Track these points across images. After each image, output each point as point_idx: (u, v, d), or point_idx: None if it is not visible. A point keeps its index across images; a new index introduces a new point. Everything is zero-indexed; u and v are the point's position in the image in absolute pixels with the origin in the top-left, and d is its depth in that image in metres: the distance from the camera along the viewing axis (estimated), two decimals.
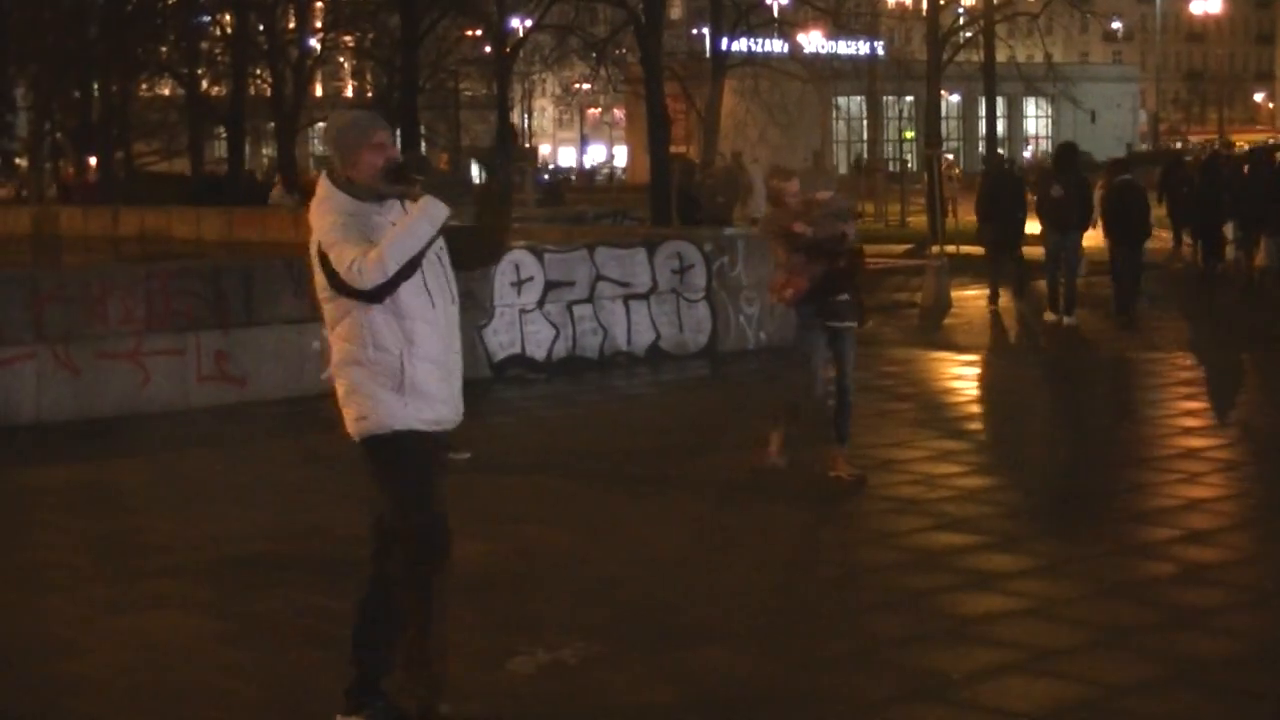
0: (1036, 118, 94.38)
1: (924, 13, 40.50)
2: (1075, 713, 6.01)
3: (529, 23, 45.33)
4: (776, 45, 53.67)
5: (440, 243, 5.57)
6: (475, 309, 14.44)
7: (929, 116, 34.93)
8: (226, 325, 13.49)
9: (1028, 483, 10.30)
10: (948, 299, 20.77)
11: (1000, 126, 49.65)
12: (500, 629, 6.94)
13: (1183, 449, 11.11)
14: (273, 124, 49.32)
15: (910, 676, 6.45)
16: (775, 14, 50.44)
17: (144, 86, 52.09)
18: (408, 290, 5.45)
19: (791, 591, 7.86)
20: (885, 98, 62.38)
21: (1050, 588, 7.69)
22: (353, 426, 5.68)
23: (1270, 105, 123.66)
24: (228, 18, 46.88)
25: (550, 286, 15.37)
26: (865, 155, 64.09)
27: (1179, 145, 77.42)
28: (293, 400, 13.56)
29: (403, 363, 5.50)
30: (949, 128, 75.42)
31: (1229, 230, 23.13)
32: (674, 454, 11.25)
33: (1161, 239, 28.58)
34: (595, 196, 53.75)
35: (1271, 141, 61.22)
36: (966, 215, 24.10)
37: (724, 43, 39.53)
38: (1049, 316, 18.94)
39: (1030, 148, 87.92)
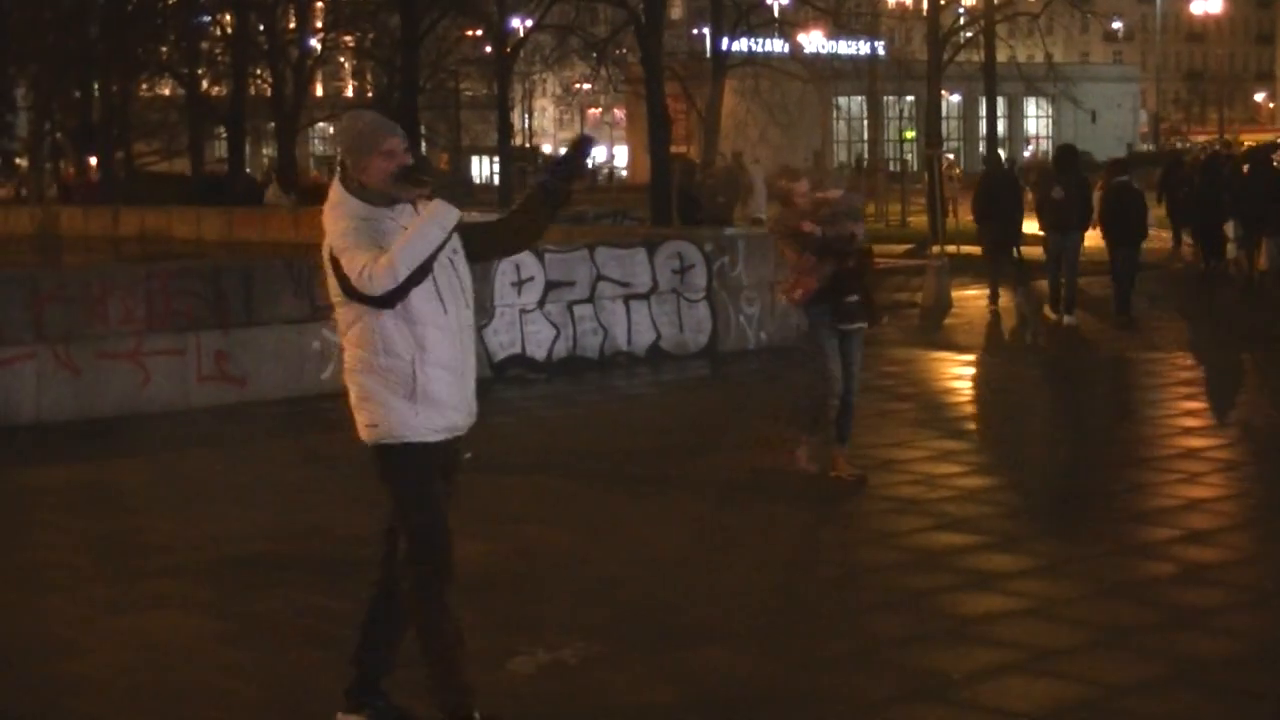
0: (1037, 118, 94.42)
1: (924, 13, 40.50)
2: (1075, 713, 6.01)
3: (529, 23, 45.34)
4: (777, 45, 53.68)
5: (455, 246, 5.53)
6: (476, 309, 14.43)
7: (929, 116, 34.91)
8: (227, 325, 13.49)
9: (1028, 483, 10.30)
10: (948, 299, 20.77)
11: (1001, 126, 49.66)
12: (500, 629, 6.94)
13: (1183, 449, 11.11)
14: (273, 124, 49.31)
15: (910, 676, 6.44)
16: (776, 14, 50.44)
17: (144, 86, 52.10)
18: (419, 296, 5.40)
19: (792, 591, 7.86)
20: (886, 98, 62.37)
21: (1050, 588, 7.69)
22: (364, 433, 5.63)
23: (1270, 105, 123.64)
24: (228, 18, 46.90)
25: (551, 286, 15.37)
26: (866, 155, 64.07)
27: (1187, 145, 77.27)
28: (293, 400, 13.57)
29: (414, 369, 5.45)
30: (949, 128, 75.41)
31: (1229, 229, 23.14)
32: (674, 454, 11.25)
33: (1161, 239, 28.61)
34: (596, 196, 53.71)
35: (1278, 140, 61.16)
36: (967, 215, 24.08)
37: (724, 43, 39.54)
38: (1050, 317, 18.95)
39: (1030, 147, 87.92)
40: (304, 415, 13.10)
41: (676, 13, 66.05)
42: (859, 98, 69.22)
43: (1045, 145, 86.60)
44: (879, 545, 8.74)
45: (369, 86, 61.51)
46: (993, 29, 35.91)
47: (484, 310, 14.81)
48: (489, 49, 50.59)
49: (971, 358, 16.52)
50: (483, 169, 72.81)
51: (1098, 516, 9.24)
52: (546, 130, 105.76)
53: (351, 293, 5.41)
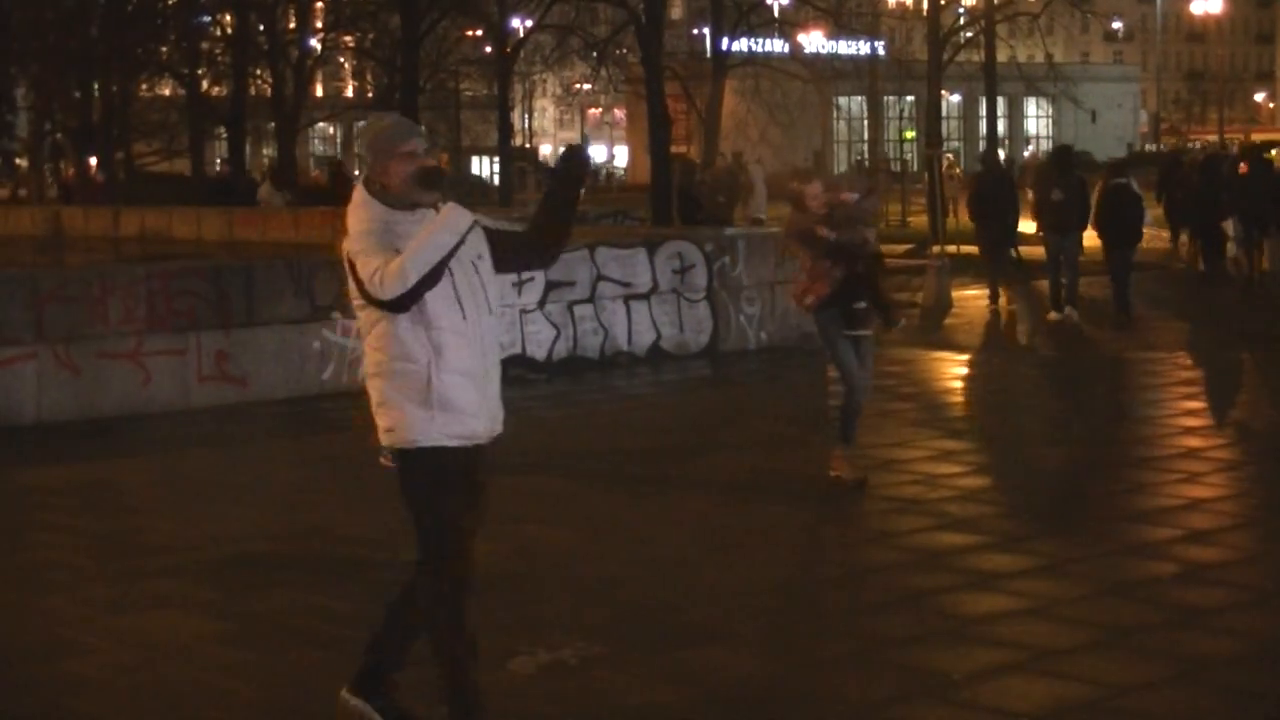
0: (1037, 118, 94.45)
1: (925, 13, 40.51)
2: (1075, 713, 6.01)
3: (529, 23, 45.34)
4: (777, 45, 53.70)
5: (479, 251, 5.49)
6: None
7: (930, 116, 34.91)
8: (227, 325, 13.49)
9: (1028, 483, 10.30)
10: (948, 299, 20.77)
11: (1001, 126, 49.72)
12: (500, 629, 6.93)
13: (1183, 449, 11.11)
14: (273, 124, 49.31)
15: (910, 676, 6.44)
16: (776, 14, 50.45)
17: (144, 87, 52.09)
18: (437, 300, 5.34)
19: (792, 591, 7.86)
20: (886, 98, 62.36)
21: (1051, 588, 7.68)
22: (382, 437, 5.56)
23: (1270, 105, 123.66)
24: (228, 18, 46.89)
25: (551, 286, 15.36)
26: (866, 155, 64.06)
27: (1196, 144, 77.23)
28: (293, 400, 13.58)
29: (429, 375, 5.38)
30: (949, 128, 75.45)
31: (1229, 227, 23.13)
32: (674, 454, 11.25)
33: (1161, 239, 28.60)
34: (596, 196, 53.74)
35: None
36: (967, 215, 24.09)
37: (725, 43, 39.53)
38: (1052, 316, 18.97)
39: (1030, 147, 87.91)
40: (304, 415, 13.11)
41: (676, 13, 65.99)
42: (859, 98, 69.20)
43: (1045, 145, 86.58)
44: (879, 545, 8.74)
45: (369, 87, 61.54)
46: (993, 29, 35.93)
47: None
48: (489, 49, 50.60)
49: (972, 358, 16.52)
50: (483, 169, 72.80)
51: (1098, 516, 9.23)
52: (547, 130, 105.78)
53: (367, 296, 5.37)
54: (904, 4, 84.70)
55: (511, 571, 8.08)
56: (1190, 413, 12.74)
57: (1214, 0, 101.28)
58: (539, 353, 15.26)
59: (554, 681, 6.42)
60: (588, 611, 7.33)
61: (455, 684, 5.53)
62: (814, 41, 56.38)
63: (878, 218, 10.32)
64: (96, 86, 47.82)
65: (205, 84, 49.37)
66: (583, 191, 5.61)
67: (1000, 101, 40.08)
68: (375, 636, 5.77)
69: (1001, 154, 30.88)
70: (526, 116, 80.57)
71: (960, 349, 16.97)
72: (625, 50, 43.41)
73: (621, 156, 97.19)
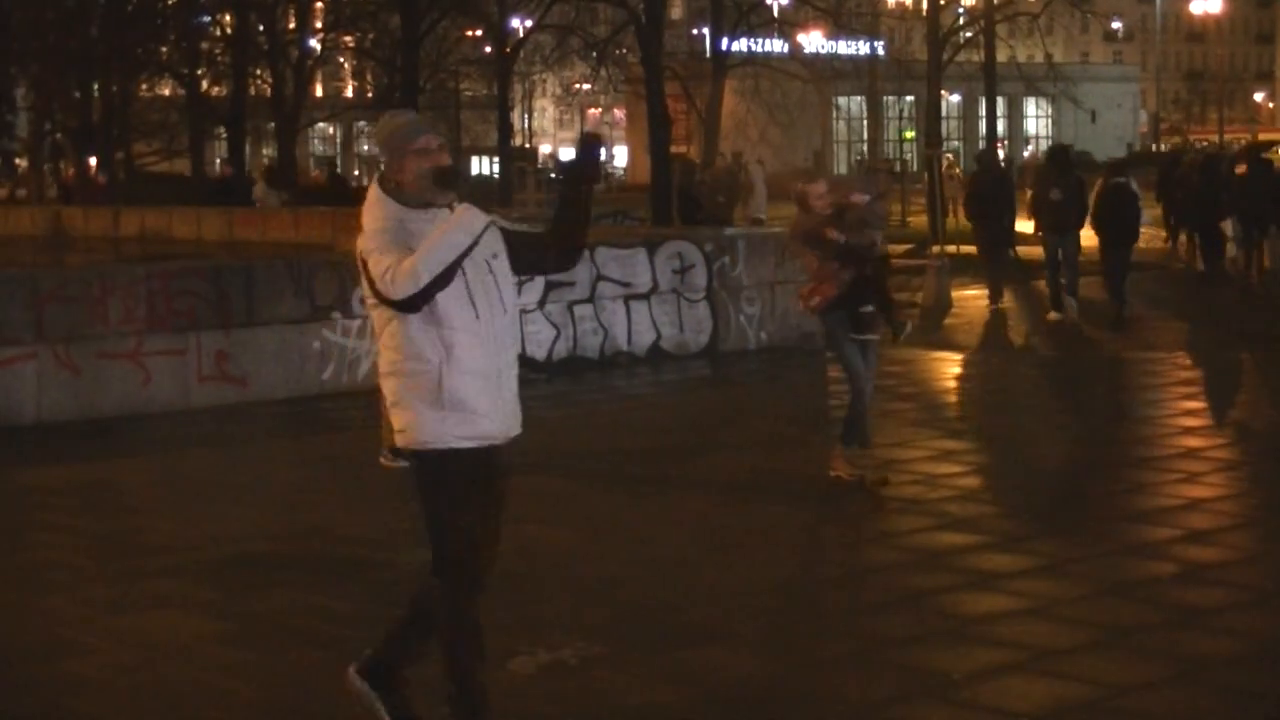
0: (1037, 118, 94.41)
1: (924, 13, 40.51)
2: (1075, 713, 6.01)
3: (529, 23, 45.37)
4: (777, 45, 53.72)
5: (494, 250, 5.45)
6: None
7: (929, 116, 34.91)
8: (227, 325, 13.49)
9: (1028, 483, 10.30)
10: (948, 299, 20.78)
11: (1000, 126, 49.70)
12: (500, 629, 6.92)
13: (1182, 449, 11.11)
14: (273, 124, 49.32)
15: (910, 676, 6.44)
16: (775, 14, 50.45)
17: (144, 87, 52.10)
18: (449, 299, 5.29)
19: (792, 591, 7.86)
20: (886, 98, 62.37)
21: (1051, 588, 7.68)
22: (396, 438, 5.54)
23: (1270, 105, 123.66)
24: (228, 18, 46.90)
25: (550, 286, 15.35)
26: (866, 155, 64.08)
27: (1201, 144, 77.19)
28: (293, 400, 13.58)
29: (441, 375, 5.33)
30: (949, 128, 75.41)
31: (1228, 228, 23.15)
32: (674, 454, 11.26)
33: (1159, 239, 28.60)
34: (596, 196, 53.68)
35: None
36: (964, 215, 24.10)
37: (724, 43, 39.56)
38: (1052, 316, 18.97)
39: (1030, 147, 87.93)
40: (304, 415, 13.11)
41: (676, 13, 66.01)
42: (859, 98, 69.20)
43: (1045, 145, 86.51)
44: (879, 545, 8.74)
45: (369, 87, 61.52)
46: (993, 29, 35.92)
47: None
48: (489, 49, 50.64)
49: (972, 358, 16.53)
50: (483, 169, 72.79)
51: (1098, 516, 9.24)
52: (546, 130, 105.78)
53: (379, 295, 5.33)
54: (903, 4, 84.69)
55: (511, 571, 8.05)
56: (1190, 413, 12.75)
57: (1213, 0, 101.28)
58: (539, 353, 15.26)
59: (554, 681, 6.42)
60: (588, 611, 7.33)
61: (461, 686, 5.51)
62: (813, 41, 56.40)
63: (885, 220, 10.26)
64: (96, 86, 47.86)
65: (205, 84, 49.40)
66: (595, 188, 5.56)
67: (1000, 101, 40.06)
68: (392, 628, 5.70)
69: (1001, 154, 30.84)
70: (526, 116, 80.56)
71: (960, 349, 16.97)
72: (625, 50, 43.44)
73: (621, 156, 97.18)
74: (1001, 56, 38.59)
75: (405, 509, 8.96)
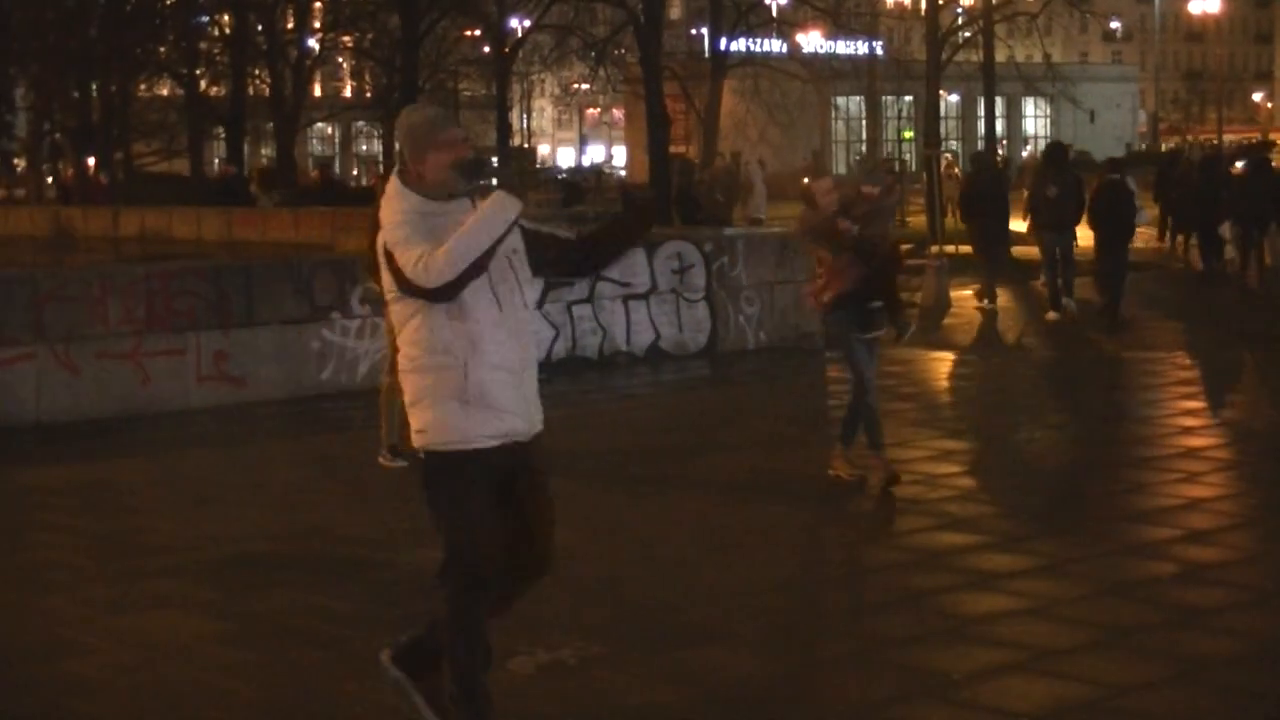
0: (1035, 118, 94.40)
1: (923, 13, 40.50)
2: (1075, 713, 6.01)
3: (528, 23, 45.37)
4: (776, 45, 53.77)
5: (515, 246, 5.43)
6: None
7: (928, 116, 34.90)
8: (227, 325, 13.49)
9: (1028, 483, 10.30)
10: (947, 299, 20.78)
11: (999, 126, 49.66)
12: (500, 629, 6.91)
13: (1182, 449, 11.11)
14: (272, 124, 49.32)
15: (910, 676, 6.44)
16: (774, 14, 50.47)
17: (143, 87, 52.11)
18: (474, 293, 5.26)
19: (792, 591, 7.86)
20: (884, 97, 62.34)
21: (1050, 588, 7.68)
22: (414, 439, 5.46)
23: (1269, 105, 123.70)
24: (227, 18, 46.89)
25: (550, 286, 15.34)
26: (864, 154, 64.04)
27: (1202, 142, 77.23)
28: (293, 400, 13.58)
29: (467, 369, 5.31)
30: (948, 128, 75.41)
31: (1225, 230, 23.16)
32: (674, 454, 11.26)
33: (1153, 238, 28.61)
34: (595, 196, 53.67)
35: None
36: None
37: (723, 42, 39.57)
38: (1051, 316, 18.96)
39: (1029, 147, 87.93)
40: (304, 415, 13.11)
41: (675, 13, 66.06)
42: (858, 98, 69.21)
43: (1044, 145, 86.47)
44: (879, 545, 8.74)
45: (368, 87, 61.55)
46: (991, 29, 35.90)
47: None
48: (488, 49, 50.64)
49: (971, 357, 16.53)
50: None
51: (1097, 516, 9.24)
52: (545, 130, 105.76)
53: (405, 286, 5.27)
54: (902, 4, 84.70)
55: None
56: (1189, 412, 12.75)
57: (1212, 0, 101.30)
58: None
59: (553, 681, 6.42)
60: (587, 611, 7.33)
61: (462, 686, 5.50)
62: (812, 41, 56.46)
63: (894, 212, 10.20)
64: (95, 86, 47.87)
65: (204, 84, 49.41)
66: (647, 232, 5.61)
67: (999, 101, 40.05)
68: (432, 621, 5.62)
69: (1000, 152, 30.86)
70: (525, 116, 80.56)
71: (960, 349, 16.97)
72: (624, 50, 43.45)
73: (620, 156, 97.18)
74: (1000, 56, 38.59)
75: (405, 509, 8.98)
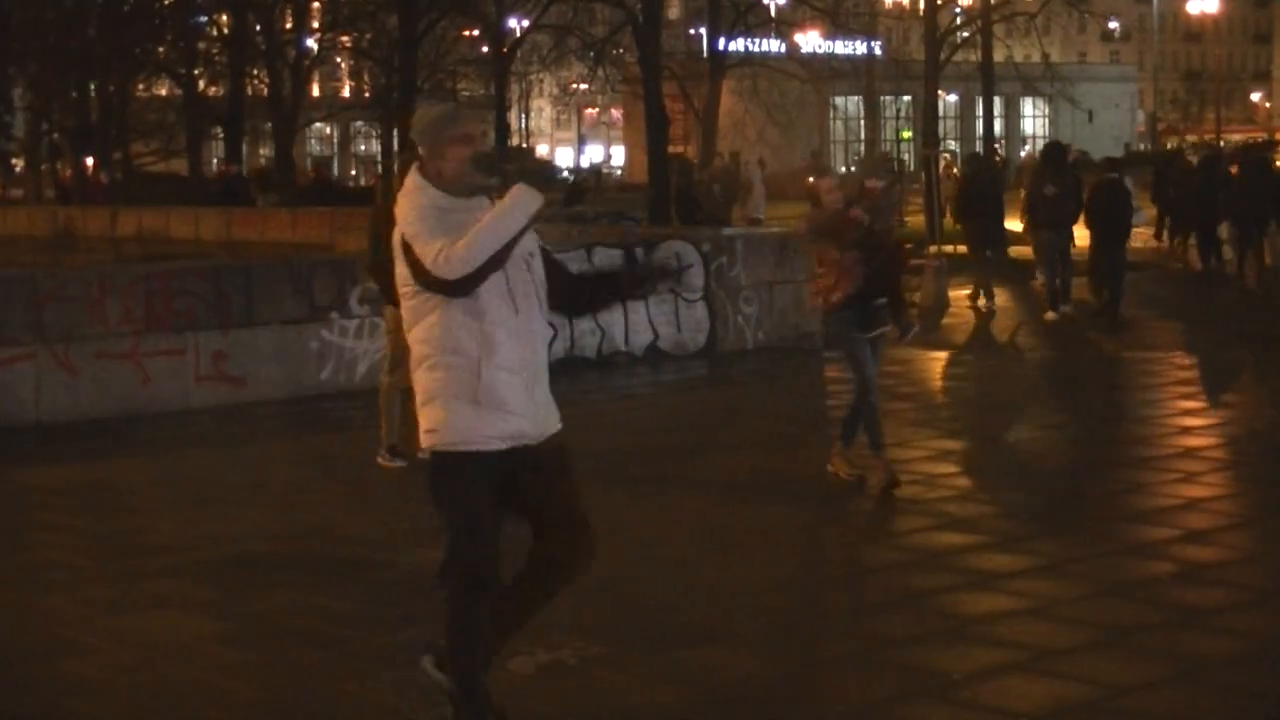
0: (1034, 117, 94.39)
1: (922, 13, 40.52)
2: (1075, 713, 6.02)
3: (527, 23, 45.39)
4: (774, 45, 53.77)
5: (532, 249, 5.43)
6: None
7: (927, 116, 34.95)
8: (226, 325, 13.49)
9: (1028, 483, 10.30)
10: (946, 299, 20.78)
11: (998, 126, 49.70)
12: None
13: (1181, 449, 11.12)
14: (270, 124, 49.31)
15: (910, 676, 6.45)
16: (773, 14, 50.50)
17: (142, 87, 52.08)
18: (490, 292, 5.25)
19: (792, 591, 7.86)
20: (883, 97, 62.44)
21: (1050, 588, 7.69)
22: (423, 438, 5.44)
23: (1268, 105, 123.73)
24: (225, 18, 46.87)
25: None
26: (863, 154, 64.08)
27: (1220, 143, 77.23)
28: (293, 400, 13.58)
29: (479, 369, 5.27)
30: (947, 127, 75.39)
31: (1223, 231, 23.17)
32: (674, 454, 11.26)
33: (1149, 237, 28.62)
34: (594, 197, 53.70)
35: None
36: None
37: (722, 42, 39.60)
38: (1049, 316, 18.96)
39: (1027, 147, 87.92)
40: (304, 415, 13.11)
41: (674, 12, 66.05)
42: (856, 97, 69.29)
43: (1042, 145, 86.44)
44: (879, 545, 8.75)
45: (366, 87, 61.52)
46: (990, 29, 35.98)
47: None
48: (486, 49, 50.65)
49: (970, 357, 16.53)
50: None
51: (1097, 516, 9.24)
52: (544, 130, 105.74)
53: (424, 278, 5.24)
54: (901, 4, 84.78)
55: (512, 572, 8.07)
56: (1188, 412, 12.75)
57: (1211, 0, 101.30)
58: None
59: (553, 681, 6.43)
60: (587, 611, 7.33)
61: (465, 688, 5.49)
62: (811, 41, 56.47)
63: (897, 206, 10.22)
64: (94, 87, 47.83)
65: (202, 84, 49.35)
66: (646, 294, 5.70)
67: (997, 101, 40.14)
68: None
69: (1000, 152, 30.87)
70: (524, 116, 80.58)
71: (958, 349, 16.98)
72: (622, 50, 43.46)
73: (619, 156, 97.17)
74: (999, 56, 38.65)
75: (405, 509, 8.99)
